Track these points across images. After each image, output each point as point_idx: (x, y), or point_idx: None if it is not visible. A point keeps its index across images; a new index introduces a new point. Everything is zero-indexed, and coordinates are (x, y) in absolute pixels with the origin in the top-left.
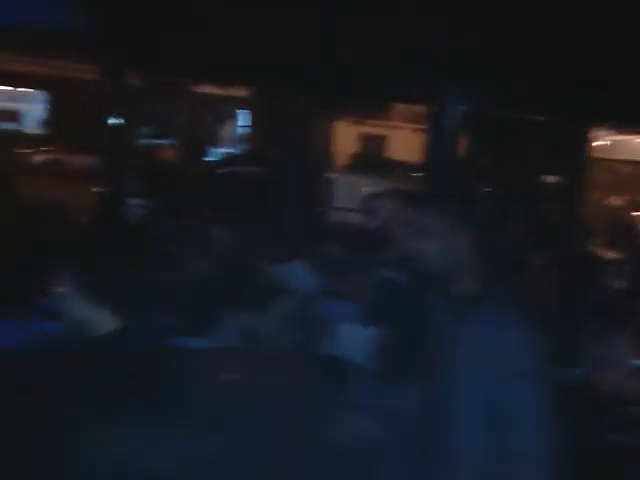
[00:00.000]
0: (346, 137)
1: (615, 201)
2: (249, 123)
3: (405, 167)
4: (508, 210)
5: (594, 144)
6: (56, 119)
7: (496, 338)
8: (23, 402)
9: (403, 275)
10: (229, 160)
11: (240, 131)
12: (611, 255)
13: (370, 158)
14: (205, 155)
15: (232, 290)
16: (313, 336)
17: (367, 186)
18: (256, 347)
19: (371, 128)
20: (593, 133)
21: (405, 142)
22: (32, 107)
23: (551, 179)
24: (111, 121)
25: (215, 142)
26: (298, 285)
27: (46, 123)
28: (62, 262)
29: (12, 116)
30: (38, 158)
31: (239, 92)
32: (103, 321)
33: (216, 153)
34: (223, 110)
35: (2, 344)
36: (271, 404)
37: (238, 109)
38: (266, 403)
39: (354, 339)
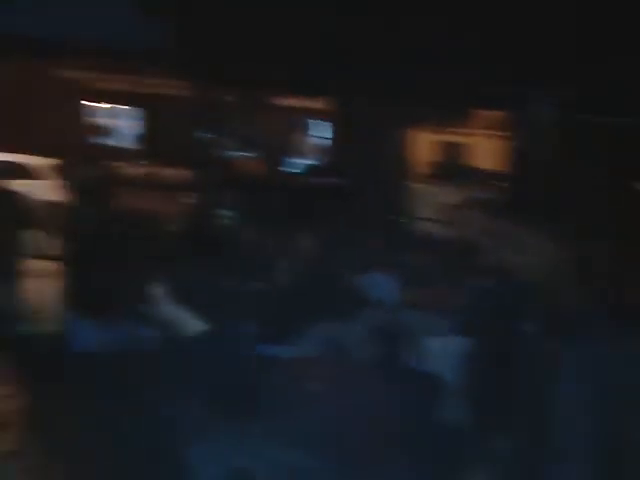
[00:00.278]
0: (427, 145)
1: None
2: (330, 134)
3: (489, 175)
4: (600, 219)
5: None
6: (150, 134)
7: (606, 358)
8: (120, 401)
9: (496, 287)
10: (312, 171)
11: (321, 142)
12: None
13: (452, 167)
14: (288, 166)
15: (316, 300)
16: (400, 348)
17: (450, 195)
18: (342, 357)
19: (452, 136)
20: None
21: (488, 149)
22: (128, 123)
23: None
24: (200, 135)
25: (297, 153)
26: (381, 296)
27: (140, 138)
28: (156, 269)
29: (109, 132)
30: (133, 171)
31: (320, 104)
32: (193, 326)
33: (299, 164)
34: (304, 122)
35: (100, 346)
36: (357, 414)
37: (319, 120)
38: (351, 412)
39: (443, 353)
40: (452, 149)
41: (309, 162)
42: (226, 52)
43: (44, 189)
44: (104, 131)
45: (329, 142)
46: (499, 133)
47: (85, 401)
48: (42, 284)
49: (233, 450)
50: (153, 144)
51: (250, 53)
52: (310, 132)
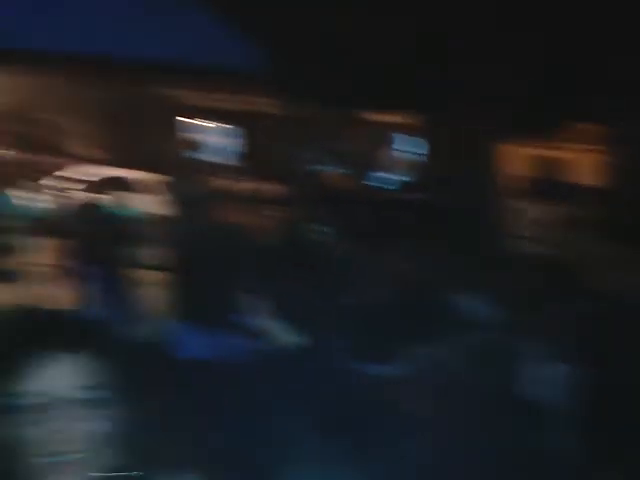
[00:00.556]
0: (522, 160)
1: None
2: (423, 150)
3: (586, 191)
4: None
5: None
6: (248, 151)
7: None
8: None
9: (600, 310)
10: (403, 187)
11: (411, 157)
12: None
13: (549, 183)
14: (377, 181)
15: (413, 319)
16: (501, 372)
17: (547, 212)
18: (438, 378)
19: (548, 151)
20: None
21: (585, 165)
22: (228, 140)
23: None
24: (293, 151)
25: (387, 169)
26: (481, 317)
27: (240, 155)
28: (254, 282)
29: (205, 148)
30: (232, 186)
31: (411, 119)
32: (289, 339)
33: (389, 180)
34: (396, 137)
35: (202, 353)
36: (454, 437)
37: (411, 136)
38: (449, 435)
39: (548, 379)
40: (548, 164)
41: (399, 178)
42: (320, 69)
43: (150, 203)
44: (206, 148)
45: (420, 157)
46: (597, 148)
47: (187, 406)
48: (149, 293)
49: (326, 466)
50: (251, 160)
51: (343, 70)
52: (400, 147)
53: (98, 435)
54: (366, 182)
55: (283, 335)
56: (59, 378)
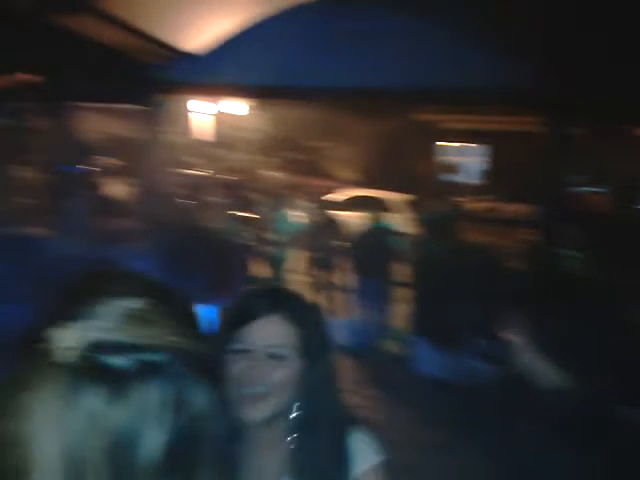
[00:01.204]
0: None
1: None
2: None
3: None
4: None
5: None
6: (495, 170)
7: None
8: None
9: None
10: None
11: None
12: None
13: None
14: None
15: None
16: None
17: None
18: None
19: None
20: None
21: None
22: (474, 160)
23: None
24: (545, 170)
25: None
26: None
27: (486, 174)
28: (503, 308)
29: (454, 169)
30: (478, 206)
31: None
32: (551, 376)
33: None
34: None
35: (442, 373)
36: None
37: None
38: None
39: None
40: None
41: None
42: (588, 86)
43: (399, 222)
44: (452, 168)
45: None
46: None
47: (428, 420)
48: (395, 307)
49: None
50: (497, 180)
51: (612, 84)
52: None
53: (281, 380)
54: (623, 203)
55: (546, 372)
56: (263, 335)
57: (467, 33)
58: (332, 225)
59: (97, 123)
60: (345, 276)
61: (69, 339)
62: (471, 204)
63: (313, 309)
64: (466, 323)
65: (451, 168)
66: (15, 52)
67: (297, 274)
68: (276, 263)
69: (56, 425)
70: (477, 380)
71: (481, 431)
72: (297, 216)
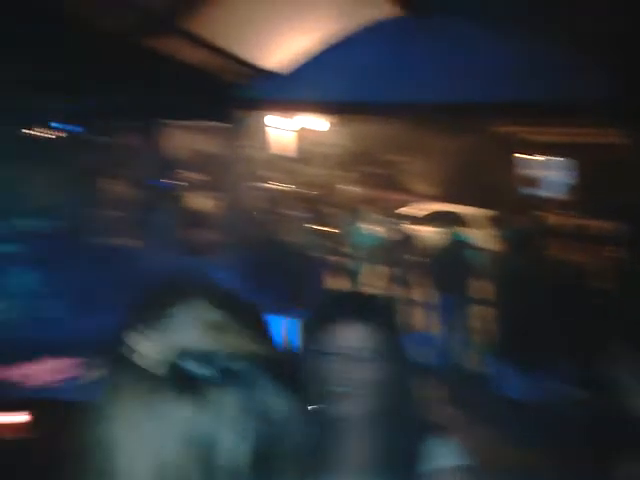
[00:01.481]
0: None
1: None
2: None
3: None
4: None
5: None
6: (580, 184)
7: None
8: None
9: None
10: None
11: None
12: None
13: None
14: None
15: None
16: None
17: None
18: None
19: None
20: None
21: None
22: (558, 174)
23: None
24: (633, 184)
25: None
26: None
27: (570, 188)
28: (602, 335)
29: (538, 183)
30: (562, 222)
31: None
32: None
33: None
34: None
35: (522, 394)
36: None
37: None
38: None
39: None
40: None
41: None
42: None
43: (479, 237)
44: (535, 182)
45: None
46: None
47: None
48: (475, 324)
49: None
50: (582, 194)
51: None
52: None
53: (369, 380)
54: None
55: (632, 396)
56: (353, 339)
57: (549, 46)
58: (410, 240)
59: (183, 140)
60: (424, 292)
61: (156, 348)
62: (555, 219)
63: (393, 313)
64: (552, 345)
65: (534, 182)
66: (109, 73)
67: (373, 288)
68: (352, 276)
69: (142, 431)
70: (563, 405)
71: (568, 458)
72: (374, 230)
